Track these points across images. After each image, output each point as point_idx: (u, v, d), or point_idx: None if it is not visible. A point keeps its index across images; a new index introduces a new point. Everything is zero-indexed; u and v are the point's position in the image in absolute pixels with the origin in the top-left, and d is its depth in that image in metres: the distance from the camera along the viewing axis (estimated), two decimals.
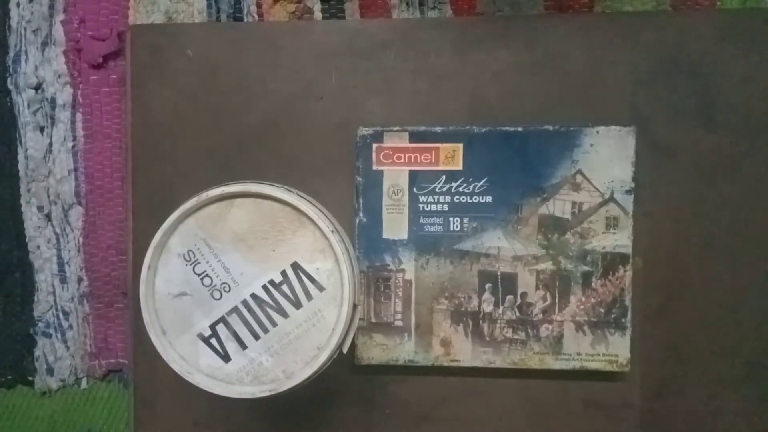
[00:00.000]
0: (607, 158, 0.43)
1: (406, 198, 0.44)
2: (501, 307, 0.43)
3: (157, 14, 0.47)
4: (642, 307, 0.44)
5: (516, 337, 0.43)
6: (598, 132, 0.42)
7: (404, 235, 0.44)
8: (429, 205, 0.43)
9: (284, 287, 0.34)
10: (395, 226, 0.44)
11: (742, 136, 0.44)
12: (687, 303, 0.44)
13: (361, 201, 0.44)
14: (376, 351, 0.44)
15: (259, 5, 0.47)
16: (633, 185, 0.43)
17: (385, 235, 0.44)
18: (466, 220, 0.43)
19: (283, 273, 0.34)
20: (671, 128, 0.44)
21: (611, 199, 0.43)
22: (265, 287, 0.34)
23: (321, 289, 0.34)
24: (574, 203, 0.43)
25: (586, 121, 0.43)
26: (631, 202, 0.43)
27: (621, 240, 0.43)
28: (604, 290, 0.43)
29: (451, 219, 0.43)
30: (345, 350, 0.35)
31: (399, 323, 0.44)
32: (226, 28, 0.47)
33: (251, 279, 0.34)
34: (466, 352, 0.44)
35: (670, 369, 0.44)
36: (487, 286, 0.43)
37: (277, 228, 0.34)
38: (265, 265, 0.34)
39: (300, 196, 0.35)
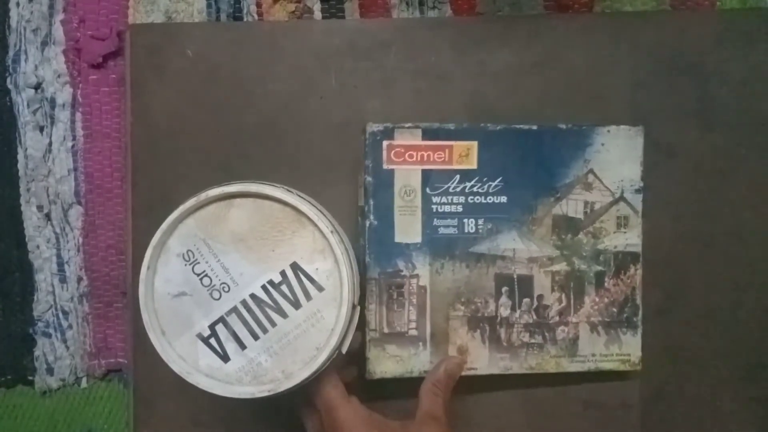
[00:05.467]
0: (617, 157, 0.42)
1: (418, 199, 0.41)
2: (518, 311, 0.42)
3: (156, 14, 0.47)
4: (642, 307, 0.44)
5: (533, 341, 0.42)
6: (608, 131, 0.42)
7: (417, 238, 0.41)
8: (443, 206, 0.41)
9: (283, 287, 0.34)
10: (408, 228, 0.41)
11: (742, 136, 0.44)
12: (687, 303, 0.44)
13: (371, 202, 0.41)
14: (390, 363, 0.41)
15: (258, 5, 0.47)
16: (642, 184, 0.42)
17: (397, 239, 0.41)
18: (480, 222, 0.41)
19: (283, 273, 0.34)
20: (671, 128, 0.44)
21: (621, 198, 0.42)
22: (264, 287, 0.34)
23: (320, 289, 0.34)
24: (586, 203, 0.42)
25: (585, 120, 0.43)
26: (640, 201, 0.42)
27: (631, 239, 0.42)
28: (616, 289, 0.42)
29: (465, 220, 0.41)
30: (344, 351, 0.35)
31: (413, 332, 0.41)
32: (225, 28, 0.46)
33: (250, 279, 0.34)
34: (483, 360, 0.42)
35: (670, 369, 0.44)
36: (504, 289, 0.42)
37: (277, 228, 0.34)
38: (264, 266, 0.34)
39: (300, 196, 0.35)
